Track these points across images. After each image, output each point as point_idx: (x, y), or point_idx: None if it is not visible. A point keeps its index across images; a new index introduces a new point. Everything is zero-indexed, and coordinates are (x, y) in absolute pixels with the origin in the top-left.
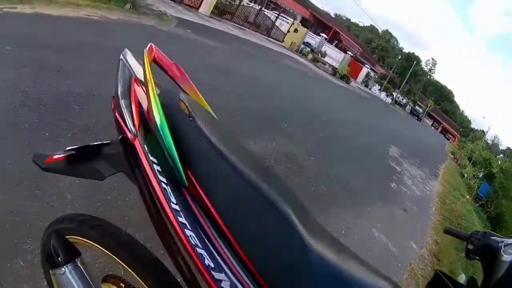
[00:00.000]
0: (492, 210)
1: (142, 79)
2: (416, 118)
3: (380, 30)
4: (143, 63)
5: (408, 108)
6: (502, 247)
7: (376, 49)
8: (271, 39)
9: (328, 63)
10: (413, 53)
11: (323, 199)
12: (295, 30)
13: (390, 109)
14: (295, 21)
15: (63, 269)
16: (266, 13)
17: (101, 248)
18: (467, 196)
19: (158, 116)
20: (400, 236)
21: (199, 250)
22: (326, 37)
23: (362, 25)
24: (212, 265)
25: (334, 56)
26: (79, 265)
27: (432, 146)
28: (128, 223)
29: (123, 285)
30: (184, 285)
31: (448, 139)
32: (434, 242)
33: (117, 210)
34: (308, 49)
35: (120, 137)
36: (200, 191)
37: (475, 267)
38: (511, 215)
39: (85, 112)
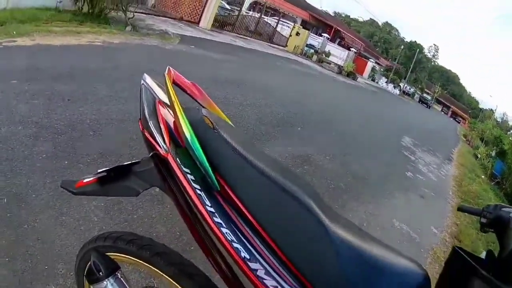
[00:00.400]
0: (507, 186)
1: (164, 100)
2: (426, 105)
3: (380, 23)
4: (165, 85)
5: (416, 97)
6: None
7: (379, 42)
8: (274, 45)
9: (333, 62)
10: (415, 41)
11: (343, 194)
12: (297, 34)
13: (398, 100)
14: (295, 24)
15: (105, 282)
16: (266, 20)
17: (138, 260)
18: (482, 176)
19: (188, 132)
20: (420, 223)
21: (235, 245)
22: (328, 36)
23: (362, 20)
24: (248, 256)
25: (338, 54)
26: (120, 277)
27: (443, 131)
28: (157, 238)
29: None
30: (222, 284)
31: (459, 122)
32: (454, 224)
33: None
34: (312, 50)
35: (151, 154)
36: (231, 193)
37: (497, 244)
38: None
39: (101, 137)
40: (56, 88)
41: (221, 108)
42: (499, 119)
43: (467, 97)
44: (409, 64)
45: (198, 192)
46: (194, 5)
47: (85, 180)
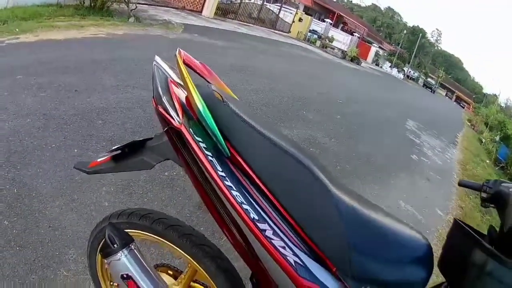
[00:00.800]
0: None
1: (176, 79)
2: (430, 90)
3: (382, 8)
4: (177, 63)
5: (420, 81)
6: None
7: (382, 27)
8: (278, 32)
9: (336, 47)
10: (418, 26)
11: (349, 175)
12: (300, 20)
13: (403, 84)
14: (298, 10)
15: (119, 254)
16: (268, 6)
17: (151, 235)
18: (487, 161)
19: (200, 104)
20: (426, 205)
21: (245, 206)
22: (331, 22)
23: (364, 5)
24: (256, 217)
25: (341, 39)
26: (134, 249)
27: (448, 115)
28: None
29: (171, 272)
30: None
31: (463, 107)
32: (459, 207)
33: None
34: (315, 36)
35: (165, 128)
36: (240, 159)
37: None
38: None
39: (109, 125)
40: (62, 81)
41: None
42: (503, 105)
43: (471, 82)
44: (412, 49)
45: (210, 158)
46: None
47: (99, 160)
